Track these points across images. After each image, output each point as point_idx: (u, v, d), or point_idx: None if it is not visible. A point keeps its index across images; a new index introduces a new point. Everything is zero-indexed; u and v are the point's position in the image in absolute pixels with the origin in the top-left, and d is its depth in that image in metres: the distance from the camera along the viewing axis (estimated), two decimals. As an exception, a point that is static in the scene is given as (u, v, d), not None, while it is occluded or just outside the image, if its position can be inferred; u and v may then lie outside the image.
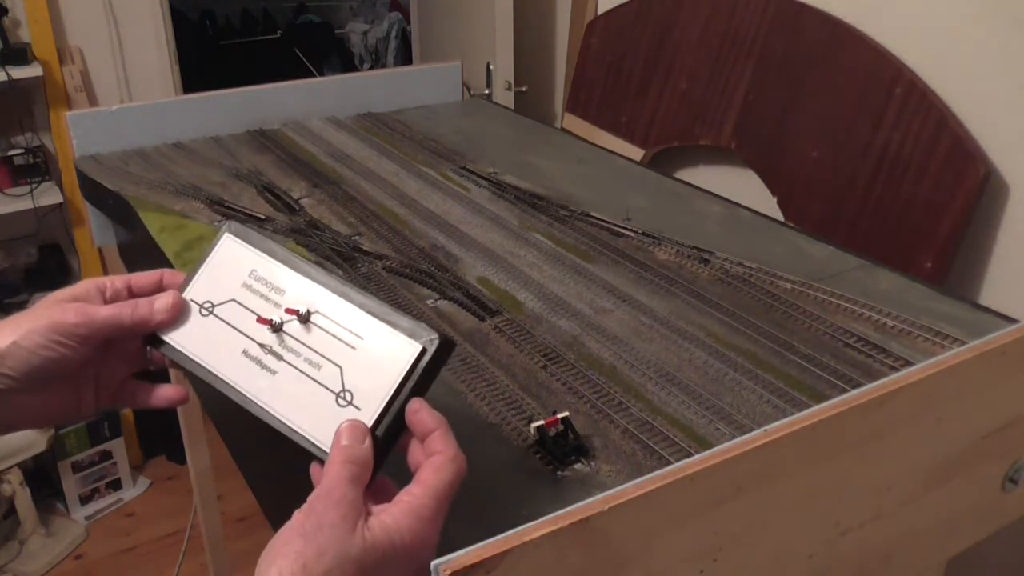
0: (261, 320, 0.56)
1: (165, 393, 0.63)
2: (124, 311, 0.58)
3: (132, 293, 0.61)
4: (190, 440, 1.58)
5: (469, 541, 0.44)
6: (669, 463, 0.57)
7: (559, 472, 0.63)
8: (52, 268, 2.29)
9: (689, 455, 0.60)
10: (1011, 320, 0.81)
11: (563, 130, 1.71)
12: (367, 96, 1.52)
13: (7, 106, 2.14)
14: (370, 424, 0.51)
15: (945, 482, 0.67)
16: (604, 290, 0.89)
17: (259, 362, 0.55)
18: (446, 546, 0.44)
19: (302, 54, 4.11)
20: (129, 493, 2.38)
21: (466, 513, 0.58)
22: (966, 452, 0.67)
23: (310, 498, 0.47)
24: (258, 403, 0.55)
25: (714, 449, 0.51)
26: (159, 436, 2.48)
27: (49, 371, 0.56)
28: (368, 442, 0.50)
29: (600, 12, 1.87)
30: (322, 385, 0.53)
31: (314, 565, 0.43)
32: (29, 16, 2.10)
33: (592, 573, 0.48)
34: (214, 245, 0.61)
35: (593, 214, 1.07)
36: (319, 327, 0.54)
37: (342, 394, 0.52)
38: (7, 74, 2.00)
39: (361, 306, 0.54)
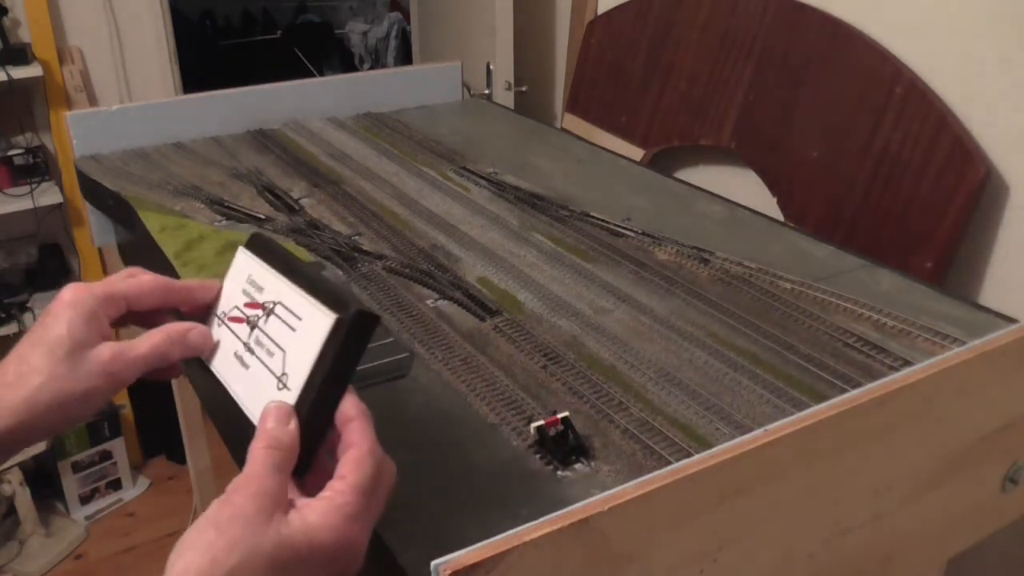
0: (236, 319, 0.57)
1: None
2: (172, 347, 0.56)
3: (130, 305, 0.58)
4: (190, 440, 1.58)
5: (469, 541, 0.44)
6: (669, 463, 0.57)
7: (559, 472, 0.63)
8: (52, 268, 2.29)
9: (689, 455, 0.60)
10: (1011, 320, 0.81)
11: (563, 130, 1.71)
12: (367, 96, 1.52)
13: (7, 106, 2.14)
14: (294, 403, 0.50)
15: (945, 482, 0.67)
16: (604, 290, 0.89)
17: (240, 360, 0.56)
18: (446, 546, 0.44)
19: (302, 54, 4.11)
20: (129, 493, 2.38)
21: (466, 513, 0.58)
22: (966, 452, 0.67)
23: (229, 487, 0.45)
24: (238, 402, 0.55)
25: (714, 449, 0.51)
26: (159, 436, 2.48)
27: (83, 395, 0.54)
28: (293, 424, 0.48)
29: (600, 12, 1.87)
30: (271, 372, 0.53)
31: (224, 558, 0.42)
32: (29, 16, 2.10)
33: (592, 573, 0.48)
34: (235, 259, 0.62)
35: (593, 214, 1.07)
36: (278, 317, 0.55)
37: (281, 378, 0.52)
38: (7, 74, 2.00)
39: (303, 287, 0.54)
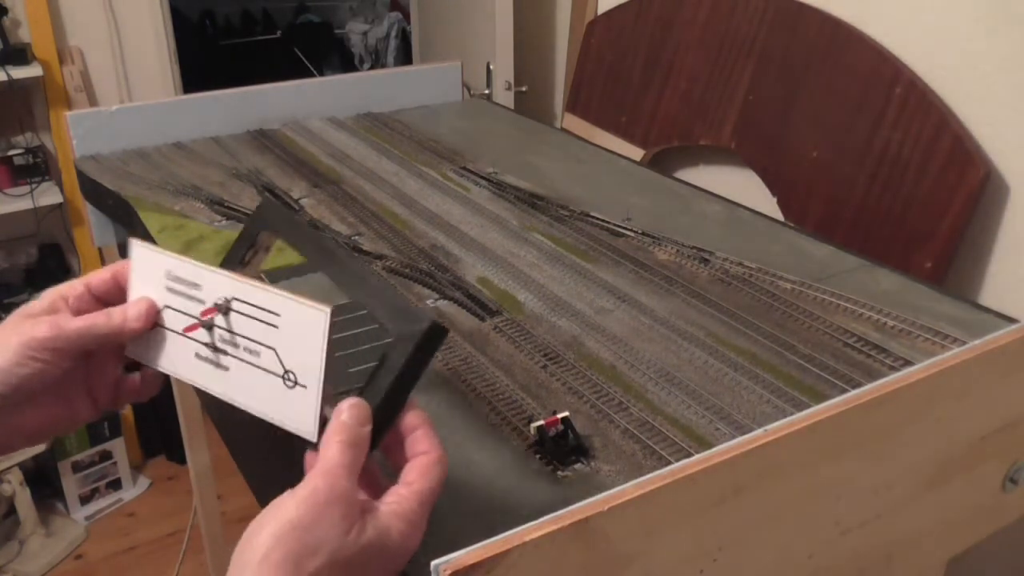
0: (190, 328, 0.57)
1: (154, 376, 0.62)
2: (97, 321, 0.57)
3: (92, 294, 0.60)
4: (190, 440, 1.58)
5: (469, 541, 0.44)
6: (669, 463, 0.57)
7: (559, 472, 0.63)
8: (52, 268, 2.29)
9: (689, 455, 0.60)
10: (1011, 320, 0.81)
11: (563, 130, 1.71)
12: (367, 96, 1.52)
13: (7, 106, 2.14)
14: (319, 406, 0.51)
15: (945, 482, 0.67)
16: (604, 290, 0.89)
17: (211, 361, 0.56)
18: (446, 546, 0.44)
19: (302, 54, 4.11)
20: (129, 493, 2.38)
21: (466, 513, 0.58)
22: (966, 452, 0.67)
23: (309, 485, 0.46)
24: (231, 401, 0.55)
25: (714, 449, 0.51)
26: (159, 436, 2.48)
27: (30, 387, 0.55)
28: (368, 427, 0.49)
29: (600, 12, 1.87)
30: (267, 371, 0.53)
31: (306, 562, 0.43)
32: (29, 16, 2.10)
33: (592, 573, 0.48)
34: (131, 258, 0.61)
35: (593, 214, 1.07)
36: (241, 314, 0.54)
37: (286, 376, 0.52)
38: (7, 74, 2.00)
39: (269, 286, 0.54)
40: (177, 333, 0.58)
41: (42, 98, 2.16)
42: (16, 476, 2.06)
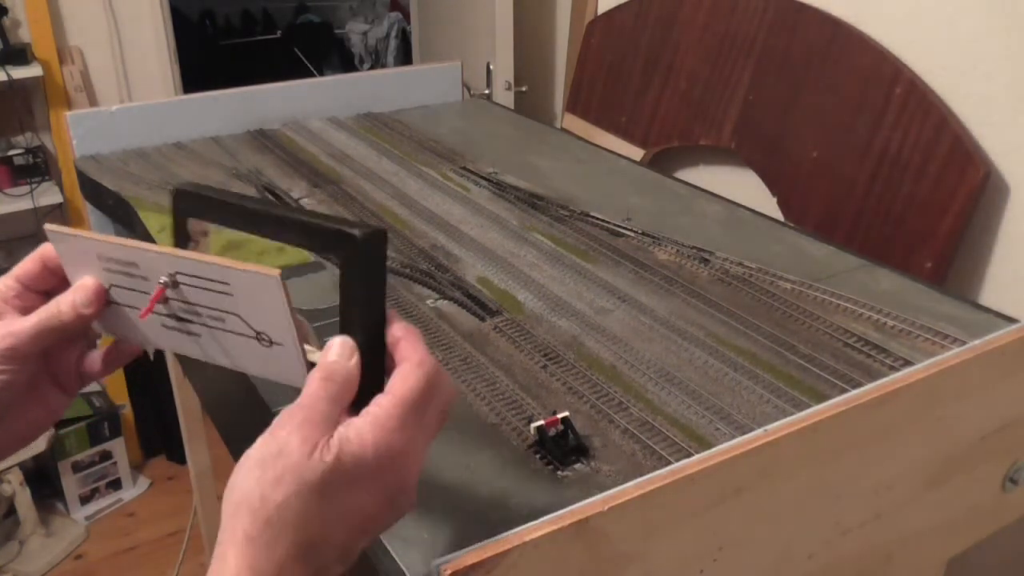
0: (145, 313, 0.55)
1: (116, 350, 0.60)
2: (49, 318, 0.55)
3: (27, 287, 0.57)
4: (190, 440, 1.58)
5: (469, 541, 0.44)
6: (669, 463, 0.57)
7: (559, 472, 0.63)
8: (52, 268, 2.29)
9: (689, 455, 0.60)
10: (1011, 320, 0.81)
11: (563, 130, 1.71)
12: (367, 96, 1.52)
13: (7, 106, 2.14)
14: (304, 357, 0.50)
15: (945, 482, 0.67)
16: (604, 290, 0.89)
17: (180, 330, 0.55)
18: (446, 546, 0.44)
19: (302, 54, 4.11)
20: (129, 493, 2.38)
21: (466, 513, 0.58)
22: (966, 452, 0.67)
23: (276, 419, 0.45)
24: (213, 361, 0.54)
25: (714, 449, 0.51)
26: (159, 436, 2.48)
27: (1, 401, 0.54)
28: (355, 360, 0.47)
29: (600, 12, 1.87)
30: (240, 334, 0.52)
31: (271, 494, 0.42)
32: (29, 16, 2.10)
33: (592, 573, 0.48)
34: (54, 244, 0.58)
35: (593, 214, 1.07)
36: (190, 287, 0.53)
37: (260, 337, 0.51)
38: (7, 74, 2.00)
39: (204, 256, 0.52)
40: (134, 308, 0.56)
41: (42, 98, 2.16)
42: (16, 476, 2.06)
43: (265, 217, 0.53)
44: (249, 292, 0.50)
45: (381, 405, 0.45)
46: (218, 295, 0.52)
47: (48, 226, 0.56)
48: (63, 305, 0.55)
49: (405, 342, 0.48)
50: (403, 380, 0.46)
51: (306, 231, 0.51)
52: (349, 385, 0.47)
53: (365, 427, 0.44)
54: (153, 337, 0.57)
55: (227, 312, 0.52)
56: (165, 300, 0.54)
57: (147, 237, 1.03)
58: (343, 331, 0.49)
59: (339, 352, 0.48)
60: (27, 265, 0.57)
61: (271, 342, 0.51)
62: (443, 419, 0.48)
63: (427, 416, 0.46)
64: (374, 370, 0.48)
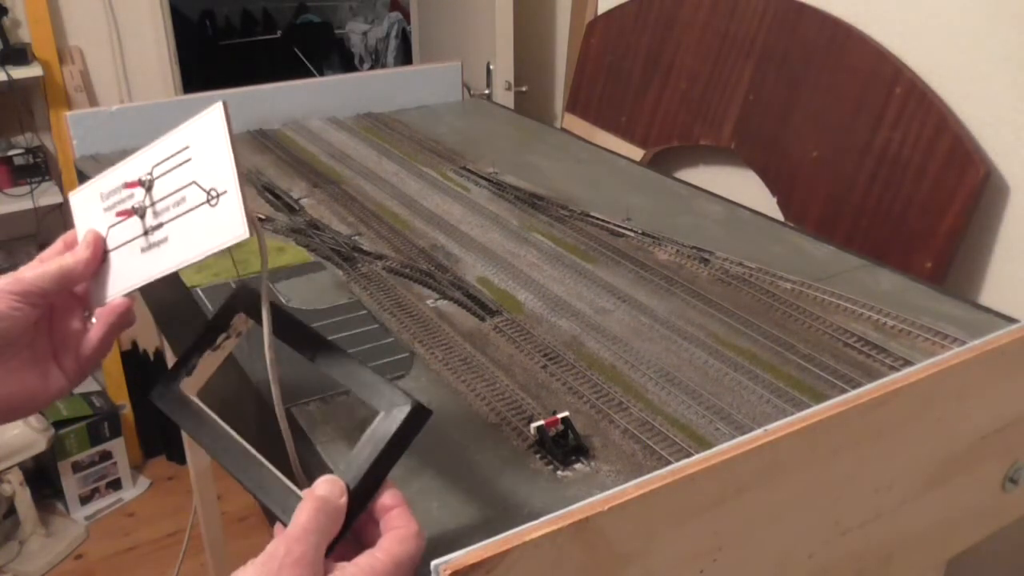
0: (122, 212, 0.60)
1: (105, 310, 0.62)
2: (50, 266, 0.60)
3: (43, 264, 0.62)
4: (190, 440, 1.58)
5: (469, 541, 0.44)
6: (669, 463, 0.57)
7: (559, 472, 0.63)
8: (52, 268, 2.29)
9: (689, 455, 0.60)
10: (1011, 320, 0.81)
11: (563, 130, 1.71)
12: (367, 96, 1.52)
13: (7, 106, 2.14)
14: (242, 200, 0.52)
15: (945, 482, 0.67)
16: (604, 290, 0.89)
17: (153, 245, 0.58)
18: (446, 546, 0.44)
19: (302, 54, 4.11)
20: (129, 493, 2.38)
21: (466, 513, 0.58)
22: (966, 452, 0.67)
23: (270, 548, 0.45)
24: (179, 265, 0.57)
25: (714, 449, 0.51)
26: (159, 436, 2.48)
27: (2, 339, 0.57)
28: (344, 500, 0.49)
29: (600, 12, 1.87)
30: (195, 207, 0.55)
31: None
32: (29, 16, 2.10)
33: (592, 573, 0.48)
34: (72, 210, 0.65)
35: (593, 214, 1.07)
36: (162, 176, 0.57)
37: (210, 197, 0.54)
38: (7, 74, 2.00)
39: (167, 135, 0.58)
40: (123, 243, 0.60)
41: (42, 98, 2.16)
42: (16, 476, 2.06)
43: (322, 345, 0.57)
44: (202, 143, 0.55)
45: (378, 559, 0.46)
46: (180, 170, 0.56)
47: (71, 192, 0.64)
48: (67, 254, 0.61)
49: (399, 512, 0.50)
50: (400, 543, 0.47)
51: (362, 376, 0.54)
52: (336, 523, 0.48)
53: (360, 574, 0.45)
54: (134, 272, 0.60)
55: (187, 185, 0.56)
56: (141, 213, 0.59)
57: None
58: (347, 467, 0.50)
59: (330, 489, 0.49)
60: (50, 249, 0.63)
61: (218, 196, 0.54)
62: None
63: None
64: (350, 517, 0.49)
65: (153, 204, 0.58)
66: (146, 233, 0.58)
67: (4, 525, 2.12)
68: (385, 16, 4.13)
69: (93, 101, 2.25)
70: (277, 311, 0.59)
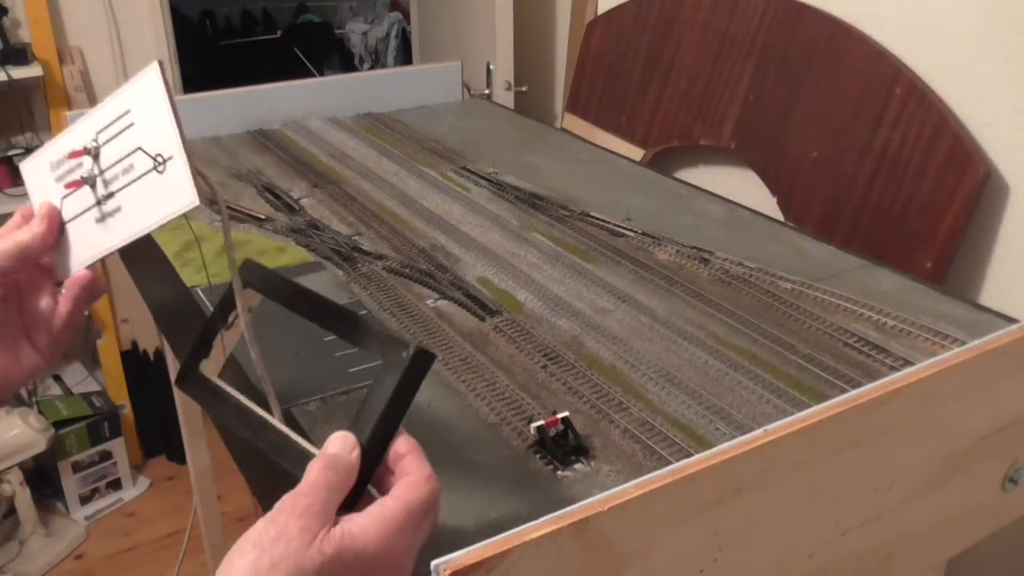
0: (71, 185, 0.59)
1: (71, 282, 0.62)
2: (6, 241, 0.59)
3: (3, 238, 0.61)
4: (190, 440, 1.58)
5: (469, 541, 0.44)
6: (669, 463, 0.57)
7: (559, 472, 0.63)
8: (52, 268, 2.29)
9: (689, 455, 0.60)
10: (1011, 320, 0.81)
11: (563, 130, 1.71)
12: (367, 96, 1.52)
13: (7, 106, 2.14)
14: (186, 160, 0.51)
15: (945, 482, 0.67)
16: (604, 290, 0.89)
17: (107, 215, 0.58)
18: (446, 546, 0.44)
19: (302, 54, 4.11)
20: (129, 493, 2.38)
21: (466, 513, 0.58)
22: (966, 452, 0.67)
23: (278, 504, 0.45)
24: (137, 235, 0.57)
25: (714, 449, 0.51)
26: (159, 436, 2.48)
27: None
28: (356, 454, 0.49)
29: (600, 12, 1.87)
30: (144, 174, 0.54)
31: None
32: (29, 16, 2.10)
33: (592, 573, 0.48)
34: (25, 181, 0.64)
35: (593, 214, 1.07)
36: (107, 143, 0.57)
37: (156, 163, 0.53)
38: (7, 74, 2.00)
39: (111, 101, 0.56)
40: (78, 215, 0.60)
41: (42, 98, 2.16)
42: (16, 476, 2.06)
43: (326, 307, 0.56)
44: (141, 107, 0.54)
45: (388, 507, 0.46)
46: (124, 136, 0.55)
47: (23, 162, 0.63)
48: (23, 229, 0.60)
49: (412, 457, 0.49)
50: (411, 488, 0.47)
51: (363, 329, 0.54)
52: (349, 477, 0.48)
53: (370, 525, 0.45)
54: (94, 242, 0.59)
55: (132, 152, 0.55)
56: (91, 182, 0.58)
57: (147, 236, 1.03)
58: (357, 421, 0.50)
59: (341, 445, 0.49)
60: (9, 223, 0.62)
61: (164, 160, 0.53)
62: (429, 537, 0.49)
63: (422, 528, 0.47)
64: (366, 471, 0.49)
65: (102, 173, 0.57)
66: (99, 203, 0.58)
67: (4, 525, 2.12)
68: (385, 16, 4.13)
69: (93, 101, 2.25)
70: (272, 275, 0.59)
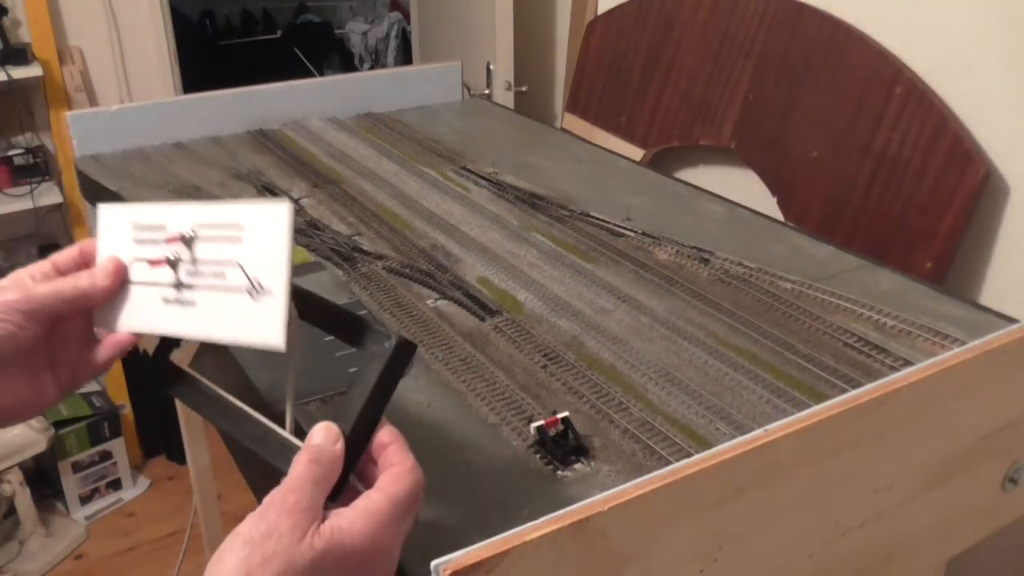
0: (156, 262, 0.57)
1: (111, 340, 0.61)
2: (65, 285, 0.58)
3: (59, 271, 0.60)
4: (190, 440, 1.58)
5: (469, 541, 0.44)
6: (669, 463, 0.57)
7: (559, 472, 0.63)
8: (52, 268, 2.28)
9: (689, 455, 0.60)
10: (1011, 320, 0.81)
11: (563, 130, 1.71)
12: (367, 96, 1.52)
13: (7, 106, 2.14)
14: (286, 307, 0.51)
15: (945, 482, 0.67)
16: (604, 290, 0.89)
17: (178, 301, 0.56)
18: (446, 546, 0.44)
19: (302, 54, 4.11)
20: (129, 493, 2.38)
21: (466, 513, 0.58)
22: (966, 452, 0.67)
23: (266, 500, 0.46)
24: (198, 337, 0.56)
25: (714, 449, 0.51)
26: (159, 436, 2.48)
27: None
28: (340, 445, 0.49)
29: (600, 12, 1.87)
30: (233, 290, 0.53)
31: (258, 572, 0.42)
32: (29, 16, 2.10)
33: (592, 573, 0.48)
34: (99, 223, 0.62)
35: (593, 214, 1.07)
36: (206, 240, 0.55)
37: (252, 288, 0.52)
38: (7, 74, 2.00)
39: (227, 201, 0.55)
40: (145, 284, 0.58)
41: (42, 98, 2.16)
42: (16, 476, 2.06)
43: (308, 297, 0.56)
44: (258, 231, 0.52)
45: (373, 500, 0.47)
46: (228, 244, 0.54)
47: (101, 204, 0.62)
48: (81, 276, 0.59)
49: (396, 447, 0.50)
50: (396, 480, 0.48)
51: (345, 320, 0.54)
52: (334, 469, 0.48)
53: (357, 519, 0.45)
54: (149, 317, 0.58)
55: (229, 263, 0.54)
56: (174, 264, 0.56)
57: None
58: (340, 411, 0.50)
59: (324, 436, 0.49)
60: (67, 252, 0.61)
61: (260, 290, 0.52)
62: (413, 526, 0.49)
63: (407, 519, 0.48)
64: (350, 461, 0.49)
65: (190, 263, 0.56)
66: (175, 287, 0.57)
67: (4, 525, 2.12)
68: (385, 16, 4.13)
69: (93, 101, 2.25)
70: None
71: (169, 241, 0.57)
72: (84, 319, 0.61)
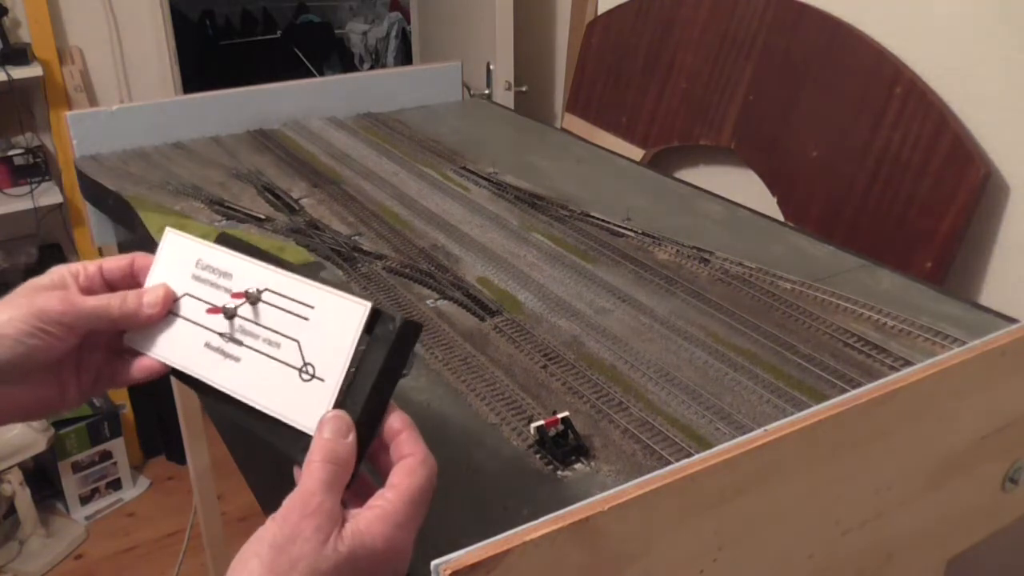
0: (213, 310, 0.56)
1: (144, 364, 0.60)
2: (112, 303, 0.57)
3: (104, 278, 0.59)
4: (190, 440, 1.58)
5: (469, 541, 0.44)
6: (669, 463, 0.57)
7: (559, 472, 0.63)
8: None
9: (689, 455, 0.60)
10: (1011, 320, 0.81)
11: (563, 130, 1.71)
12: (367, 96, 1.52)
13: (7, 106, 2.14)
14: (335, 400, 0.50)
15: (945, 482, 0.67)
16: (604, 290, 0.89)
17: (221, 351, 0.55)
18: (446, 546, 0.44)
19: (302, 54, 4.11)
20: (129, 493, 2.38)
21: (466, 513, 0.58)
22: (966, 452, 0.67)
23: (286, 503, 0.46)
24: (229, 393, 0.55)
25: (714, 449, 0.51)
26: (159, 436, 2.48)
27: (33, 360, 0.55)
28: (352, 437, 0.48)
29: (600, 12, 1.87)
30: (284, 363, 0.53)
31: None
32: (29, 16, 2.10)
33: (592, 573, 0.48)
34: (161, 244, 0.61)
35: (593, 214, 1.07)
36: (270, 305, 0.54)
37: (304, 368, 0.52)
38: (7, 74, 2.00)
39: (306, 279, 0.54)
40: (192, 322, 0.57)
41: (42, 98, 2.16)
42: (16, 476, 2.06)
43: (271, 259, 0.55)
44: (329, 318, 0.52)
45: (390, 500, 0.47)
46: (293, 318, 0.53)
47: (170, 228, 0.60)
48: (130, 297, 0.58)
49: (407, 436, 0.49)
50: (409, 475, 0.48)
51: (311, 278, 0.53)
52: (349, 464, 0.48)
53: (376, 521, 0.46)
54: (184, 355, 0.57)
55: (288, 337, 0.53)
56: (231, 316, 0.55)
57: (147, 238, 1.03)
58: (347, 397, 0.50)
59: (335, 429, 0.49)
60: (117, 260, 0.60)
61: (312, 376, 0.51)
62: (429, 505, 0.49)
63: (421, 513, 0.48)
64: (361, 448, 0.49)
65: (249, 320, 0.55)
66: (223, 336, 0.56)
67: (4, 525, 2.12)
68: (385, 16, 4.13)
69: (93, 101, 2.25)
70: (250, 248, 0.57)
71: (235, 295, 0.55)
72: (115, 334, 0.60)
